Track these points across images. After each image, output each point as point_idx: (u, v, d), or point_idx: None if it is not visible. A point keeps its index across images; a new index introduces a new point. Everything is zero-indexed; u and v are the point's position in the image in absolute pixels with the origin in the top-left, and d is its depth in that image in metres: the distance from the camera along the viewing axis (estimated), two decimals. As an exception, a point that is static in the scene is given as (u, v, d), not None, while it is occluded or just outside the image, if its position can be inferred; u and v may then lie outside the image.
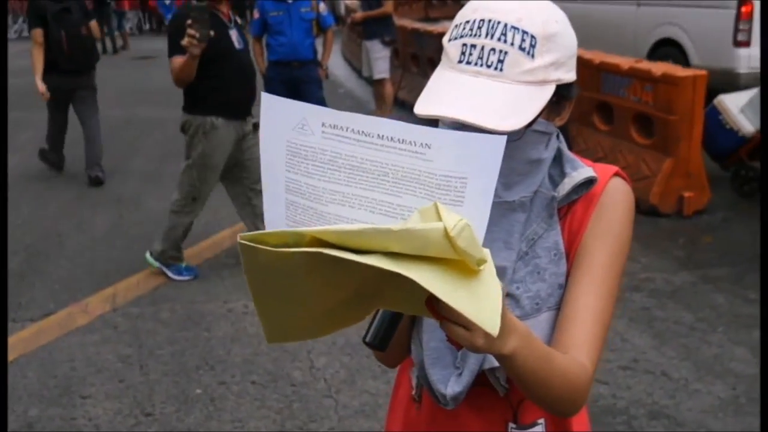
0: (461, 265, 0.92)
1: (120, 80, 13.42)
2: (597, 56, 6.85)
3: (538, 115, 1.15)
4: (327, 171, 1.01)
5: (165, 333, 4.30)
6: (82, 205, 6.67)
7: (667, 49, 9.18)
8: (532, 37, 1.12)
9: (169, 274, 4.96)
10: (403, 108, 9.83)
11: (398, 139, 0.96)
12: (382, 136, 0.97)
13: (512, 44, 1.11)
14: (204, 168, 4.77)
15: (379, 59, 9.14)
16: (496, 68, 1.11)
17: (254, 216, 4.87)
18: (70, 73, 7.07)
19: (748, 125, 6.17)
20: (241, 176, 4.93)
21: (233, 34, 4.70)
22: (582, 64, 7.19)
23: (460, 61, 1.14)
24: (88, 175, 7.25)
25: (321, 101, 7.33)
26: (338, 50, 15.81)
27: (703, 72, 6.01)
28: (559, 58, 1.15)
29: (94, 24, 7.29)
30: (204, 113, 4.67)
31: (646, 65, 6.34)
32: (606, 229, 1.23)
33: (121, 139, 9.23)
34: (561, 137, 1.27)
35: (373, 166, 0.98)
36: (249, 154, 4.86)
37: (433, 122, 1.12)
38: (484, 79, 1.12)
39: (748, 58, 8.27)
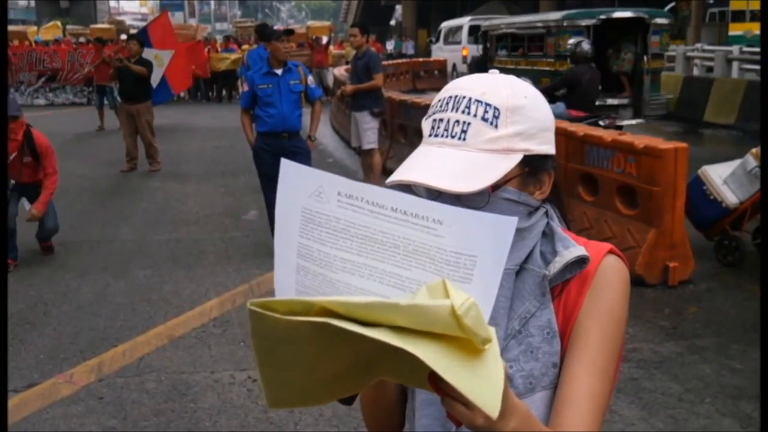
0: (466, 344, 0.92)
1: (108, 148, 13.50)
2: (581, 129, 7.00)
3: (505, 183, 1.19)
4: (340, 239, 1.03)
5: (150, 404, 4.25)
6: (68, 273, 6.65)
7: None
8: (495, 108, 1.17)
9: None
10: (390, 178, 9.93)
11: (411, 213, 0.98)
12: (396, 209, 0.99)
13: (475, 115, 1.17)
14: None
15: (368, 130, 9.27)
16: (459, 138, 1.17)
17: None
18: None
19: (731, 196, 6.27)
20: None
21: None
22: (566, 136, 7.24)
23: (430, 135, 1.21)
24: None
25: (309, 171, 7.40)
26: (327, 120, 16.01)
27: (684, 144, 6.12)
28: (526, 129, 1.19)
29: None
30: None
31: (629, 138, 6.46)
32: (601, 308, 1.22)
33: (109, 207, 9.26)
34: (553, 215, 1.29)
35: (385, 237, 1.00)
36: None
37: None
38: (447, 148, 1.17)
39: None
